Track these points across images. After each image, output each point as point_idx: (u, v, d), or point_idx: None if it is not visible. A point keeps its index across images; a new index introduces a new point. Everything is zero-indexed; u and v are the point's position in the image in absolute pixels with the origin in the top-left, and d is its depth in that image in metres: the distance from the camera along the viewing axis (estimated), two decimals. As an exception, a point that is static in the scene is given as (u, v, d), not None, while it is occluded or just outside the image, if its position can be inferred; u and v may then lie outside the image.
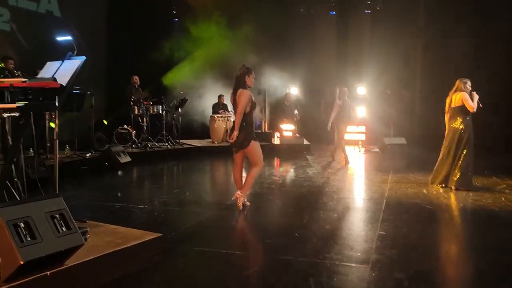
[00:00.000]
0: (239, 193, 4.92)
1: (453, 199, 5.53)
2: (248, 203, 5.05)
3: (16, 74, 6.80)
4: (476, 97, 5.97)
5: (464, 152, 5.97)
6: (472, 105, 5.90)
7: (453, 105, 6.08)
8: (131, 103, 9.85)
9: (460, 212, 4.99)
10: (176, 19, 13.62)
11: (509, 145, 10.87)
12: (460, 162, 5.99)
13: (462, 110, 6.00)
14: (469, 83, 6.07)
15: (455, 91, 6.09)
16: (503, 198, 5.50)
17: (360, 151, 11.25)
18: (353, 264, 3.35)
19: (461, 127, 6.00)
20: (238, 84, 4.88)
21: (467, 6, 12.01)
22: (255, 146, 4.87)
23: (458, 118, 6.04)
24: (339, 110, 8.83)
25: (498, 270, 3.30)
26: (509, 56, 11.48)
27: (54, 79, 3.25)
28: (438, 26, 12.37)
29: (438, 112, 12.55)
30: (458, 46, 12.26)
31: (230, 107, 11.99)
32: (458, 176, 5.99)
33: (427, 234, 4.12)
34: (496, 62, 11.36)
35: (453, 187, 6.00)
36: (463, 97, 5.95)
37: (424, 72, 12.74)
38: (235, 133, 4.78)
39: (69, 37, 3.69)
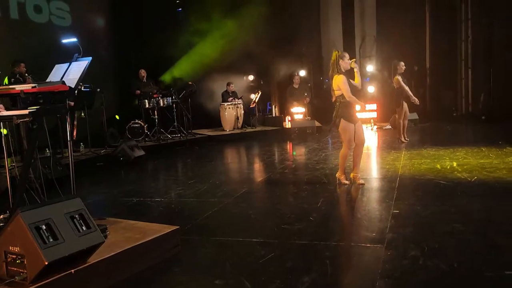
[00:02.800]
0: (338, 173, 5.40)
1: (467, 173, 5.49)
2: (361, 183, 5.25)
3: (27, 77, 6.93)
4: None
5: None
6: None
7: None
8: (141, 97, 9.95)
9: (474, 186, 4.96)
10: (180, 9, 13.58)
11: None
12: None
13: None
14: None
15: None
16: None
17: (372, 129, 11.20)
18: (369, 245, 3.39)
19: None
20: (332, 69, 5.14)
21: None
22: (343, 125, 5.11)
23: None
24: (400, 87, 8.24)
25: (514, 242, 3.32)
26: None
27: (63, 82, 3.32)
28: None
29: (449, 85, 12.46)
30: (467, 17, 12.03)
31: (240, 94, 12.02)
32: None
33: (441, 210, 4.13)
34: (506, 33, 11.08)
35: None
36: None
37: (433, 45, 12.52)
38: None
39: (74, 39, 3.77)
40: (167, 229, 3.47)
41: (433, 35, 12.49)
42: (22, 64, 7.26)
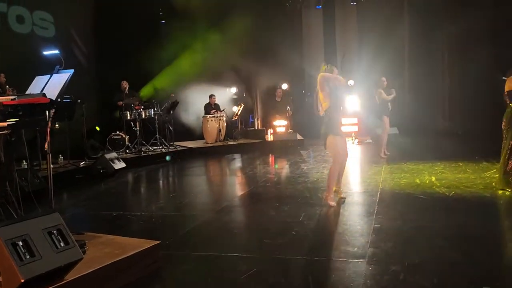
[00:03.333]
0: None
1: (445, 188, 5.59)
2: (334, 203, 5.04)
3: (8, 88, 6.81)
4: None
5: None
6: None
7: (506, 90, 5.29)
8: (123, 108, 9.86)
9: (452, 200, 5.05)
10: (163, 21, 13.59)
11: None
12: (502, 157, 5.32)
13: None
14: None
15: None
16: (494, 183, 5.57)
17: (353, 143, 11.33)
18: (350, 259, 3.41)
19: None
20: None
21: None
22: (331, 140, 4.95)
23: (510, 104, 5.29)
24: (382, 102, 8.39)
25: (492, 258, 3.39)
26: (491, 44, 11.52)
27: (44, 95, 3.27)
28: (423, 15, 12.48)
29: (427, 101, 12.76)
30: (444, 35, 12.40)
31: (222, 106, 12.03)
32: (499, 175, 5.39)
33: (420, 225, 4.19)
34: (481, 52, 11.44)
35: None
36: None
37: (411, 62, 12.84)
38: None
39: (56, 51, 3.73)
40: (147, 244, 3.42)
41: (412, 52, 12.82)
42: (2, 75, 7.14)
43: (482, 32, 11.30)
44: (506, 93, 5.33)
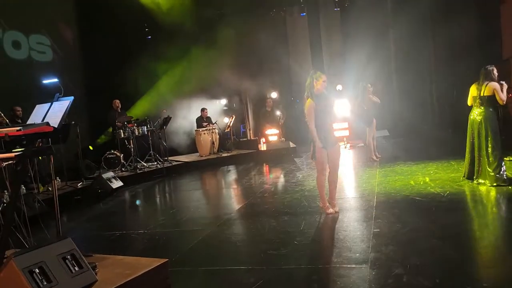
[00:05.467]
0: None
1: (439, 188, 5.74)
2: (332, 210, 5.09)
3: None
4: (505, 87, 5.51)
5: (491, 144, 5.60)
6: (503, 97, 5.45)
7: (481, 94, 5.61)
8: (116, 127, 9.92)
9: (447, 200, 5.20)
10: (149, 37, 13.69)
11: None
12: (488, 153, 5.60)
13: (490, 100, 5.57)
14: (495, 71, 5.61)
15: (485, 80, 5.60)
16: (484, 181, 5.72)
17: (346, 147, 11.48)
18: (353, 265, 3.52)
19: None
20: (306, 92, 4.85)
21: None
22: (315, 149, 4.95)
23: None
24: (373, 106, 8.65)
25: (490, 253, 3.52)
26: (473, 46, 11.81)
27: (47, 124, 3.35)
28: (406, 18, 12.75)
29: (416, 101, 12.99)
30: (428, 38, 12.69)
31: (214, 119, 12.14)
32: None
33: (418, 226, 4.32)
34: (468, 55, 11.72)
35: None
36: (495, 87, 5.49)
37: (398, 62, 13.09)
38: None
39: (55, 79, 3.81)
40: (156, 262, 3.48)
41: (398, 52, 13.08)
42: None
43: (468, 33, 11.58)
44: (481, 96, 5.64)
